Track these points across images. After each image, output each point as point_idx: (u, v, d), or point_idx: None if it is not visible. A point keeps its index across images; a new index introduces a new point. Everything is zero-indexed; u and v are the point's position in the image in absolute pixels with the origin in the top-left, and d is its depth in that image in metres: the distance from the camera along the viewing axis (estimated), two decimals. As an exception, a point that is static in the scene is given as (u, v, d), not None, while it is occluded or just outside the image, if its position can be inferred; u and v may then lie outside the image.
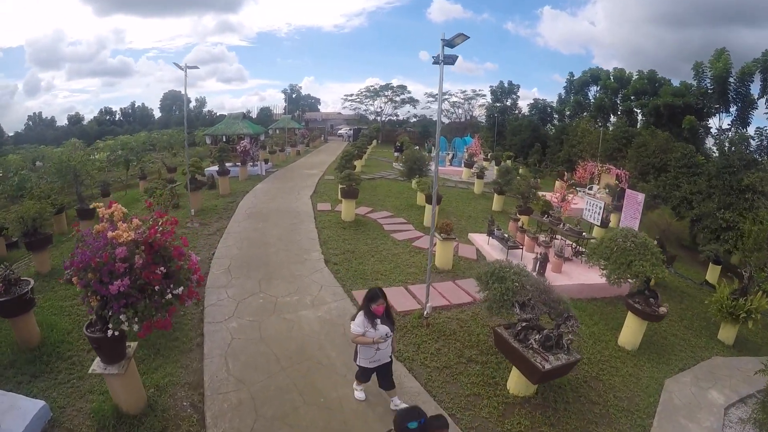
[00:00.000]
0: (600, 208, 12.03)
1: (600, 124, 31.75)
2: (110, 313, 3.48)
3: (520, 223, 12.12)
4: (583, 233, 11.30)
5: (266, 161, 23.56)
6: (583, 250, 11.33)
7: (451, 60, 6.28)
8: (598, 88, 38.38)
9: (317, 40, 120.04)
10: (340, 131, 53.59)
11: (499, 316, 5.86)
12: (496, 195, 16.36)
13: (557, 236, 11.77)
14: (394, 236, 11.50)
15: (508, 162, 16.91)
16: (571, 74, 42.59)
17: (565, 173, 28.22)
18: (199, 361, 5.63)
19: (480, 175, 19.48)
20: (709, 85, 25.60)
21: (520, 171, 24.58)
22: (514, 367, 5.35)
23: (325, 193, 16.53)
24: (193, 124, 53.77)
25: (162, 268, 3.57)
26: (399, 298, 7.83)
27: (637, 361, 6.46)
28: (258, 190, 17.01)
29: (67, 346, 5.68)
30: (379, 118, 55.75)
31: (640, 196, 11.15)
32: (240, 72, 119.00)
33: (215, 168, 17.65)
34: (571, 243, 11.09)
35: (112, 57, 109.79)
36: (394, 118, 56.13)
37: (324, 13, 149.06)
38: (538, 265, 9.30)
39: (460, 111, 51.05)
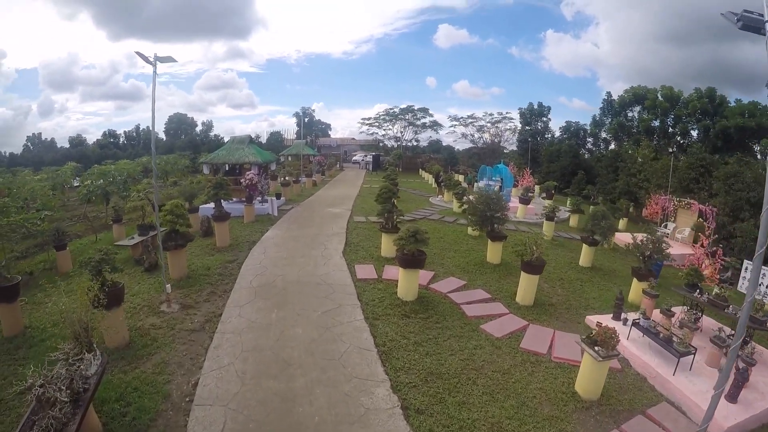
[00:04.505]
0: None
1: (671, 151, 27.77)
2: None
3: (667, 307, 7.75)
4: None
5: (278, 195, 19.42)
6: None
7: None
8: (642, 109, 34.92)
9: (326, 67, 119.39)
10: (355, 157, 49.82)
11: None
12: (585, 246, 12.11)
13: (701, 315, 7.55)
14: (486, 329, 7.26)
15: (600, 206, 13.04)
16: (609, 94, 39.38)
17: (630, 208, 24.15)
18: None
19: (550, 217, 15.27)
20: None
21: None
22: None
23: (359, 244, 12.18)
24: (199, 149, 50.31)
25: None
26: None
27: None
28: (268, 240, 12.66)
29: None
30: (397, 143, 51.79)
31: None
32: (250, 98, 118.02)
33: (212, 206, 13.57)
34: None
35: (124, 81, 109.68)
36: (415, 143, 52.09)
37: (333, 40, 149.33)
38: (729, 385, 5.55)
39: (486, 136, 47.06)
